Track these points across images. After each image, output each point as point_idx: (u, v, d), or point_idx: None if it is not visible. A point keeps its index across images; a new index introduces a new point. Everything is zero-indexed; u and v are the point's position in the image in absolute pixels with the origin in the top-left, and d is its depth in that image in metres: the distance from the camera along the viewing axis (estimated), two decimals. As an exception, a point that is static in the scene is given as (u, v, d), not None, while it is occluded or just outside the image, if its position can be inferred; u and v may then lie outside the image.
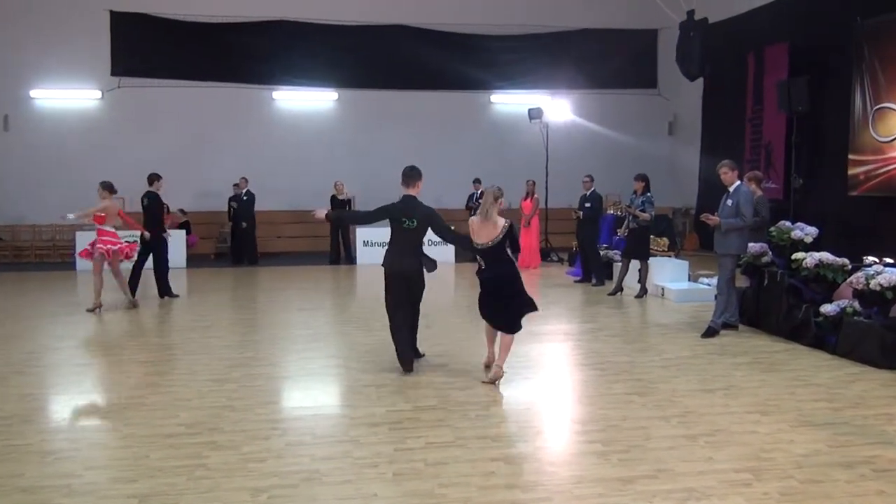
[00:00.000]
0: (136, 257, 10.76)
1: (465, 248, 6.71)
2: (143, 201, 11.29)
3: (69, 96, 18.15)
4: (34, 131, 17.89)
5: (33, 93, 18.01)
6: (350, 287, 13.43)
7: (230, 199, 16.99)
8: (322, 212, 6.91)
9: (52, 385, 6.57)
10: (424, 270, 6.68)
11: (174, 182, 17.83)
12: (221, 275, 14.86)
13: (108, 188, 10.21)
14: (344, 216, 7.14)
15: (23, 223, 17.75)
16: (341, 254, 16.41)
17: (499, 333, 6.59)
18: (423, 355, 7.12)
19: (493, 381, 6.30)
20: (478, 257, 6.47)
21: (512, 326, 6.46)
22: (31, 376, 6.77)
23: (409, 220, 6.58)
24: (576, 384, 6.48)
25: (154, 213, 11.26)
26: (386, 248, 6.83)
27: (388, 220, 6.70)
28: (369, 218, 6.76)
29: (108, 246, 10.02)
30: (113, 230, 10.21)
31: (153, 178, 11.39)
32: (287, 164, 18.66)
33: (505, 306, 6.41)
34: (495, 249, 6.36)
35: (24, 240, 17.56)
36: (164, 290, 11.33)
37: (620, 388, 6.19)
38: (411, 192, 6.66)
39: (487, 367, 6.74)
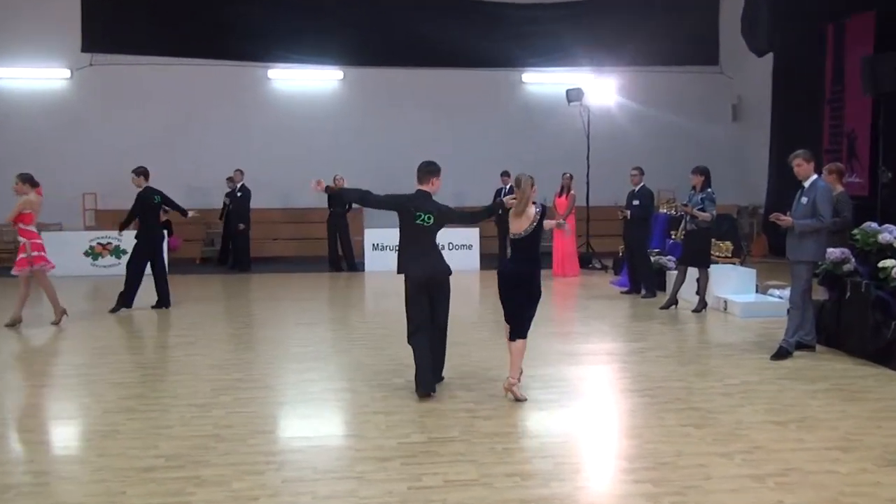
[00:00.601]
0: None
1: (486, 218, 7.29)
2: (154, 198, 11.53)
3: (33, 76, 18.46)
4: (-6, 116, 18.22)
5: (-8, 72, 18.35)
6: (356, 297, 13.48)
7: (226, 195, 17.09)
8: (322, 183, 7.17)
9: (12, 409, 6.66)
10: (447, 271, 6.85)
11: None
12: (208, 282, 14.99)
13: (30, 181, 10.08)
14: (349, 193, 7.24)
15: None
16: (342, 259, 16.45)
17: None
18: (443, 379, 7.15)
19: (515, 397, 6.61)
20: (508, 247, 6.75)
21: (518, 331, 6.67)
22: (-10, 399, 6.88)
23: (425, 216, 6.76)
24: (621, 413, 6.47)
25: (161, 210, 11.73)
26: (398, 251, 6.92)
27: (398, 214, 6.85)
28: (378, 202, 6.94)
29: (42, 253, 10.13)
30: (37, 232, 10.30)
31: (147, 172, 11.56)
32: (284, 155, 18.80)
33: (518, 306, 6.65)
34: (529, 239, 6.60)
35: (-18, 241, 17.84)
36: (167, 298, 11.63)
37: (674, 418, 6.17)
38: (426, 188, 6.87)
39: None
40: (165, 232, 16.28)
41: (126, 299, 11.28)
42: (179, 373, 7.70)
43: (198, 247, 18.20)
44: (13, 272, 10.18)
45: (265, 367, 7.97)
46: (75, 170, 17.99)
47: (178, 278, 15.25)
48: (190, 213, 12.10)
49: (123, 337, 9.82)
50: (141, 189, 11.46)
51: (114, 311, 11.16)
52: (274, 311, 11.48)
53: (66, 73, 18.48)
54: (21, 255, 10.05)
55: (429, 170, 6.91)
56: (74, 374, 7.82)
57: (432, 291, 6.79)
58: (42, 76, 18.48)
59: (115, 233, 15.25)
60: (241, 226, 16.32)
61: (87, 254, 15.87)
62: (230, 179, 16.98)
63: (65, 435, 6.03)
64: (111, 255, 15.83)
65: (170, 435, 5.78)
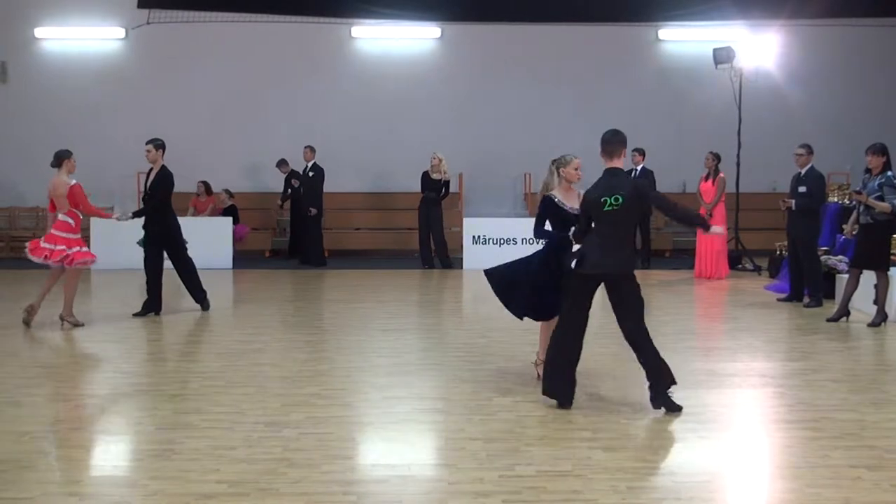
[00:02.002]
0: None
1: (691, 224, 8.25)
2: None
3: (84, 36, 19.28)
4: (39, 82, 19.08)
5: (38, 32, 19.21)
6: (451, 300, 13.57)
7: (288, 177, 17.48)
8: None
9: (57, 421, 6.99)
10: (632, 268, 7.08)
11: (216, 152, 18.63)
12: (277, 279, 15.37)
13: (67, 157, 10.39)
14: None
15: (22, 205, 18.93)
16: (435, 254, 16.60)
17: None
18: (678, 408, 6.96)
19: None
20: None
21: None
22: (29, 408, 7.22)
23: (611, 198, 6.85)
24: (776, 449, 6.35)
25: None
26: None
27: (592, 216, 7.04)
28: (582, 227, 7.22)
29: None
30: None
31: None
32: (369, 129, 19.06)
33: None
34: None
35: (24, 227, 18.79)
36: (201, 292, 11.68)
37: (842, 457, 6.02)
38: (614, 164, 7.02)
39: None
40: (230, 220, 16.89)
41: (200, 294, 11.59)
42: (244, 385, 7.89)
43: (267, 237, 18.62)
44: (80, 265, 10.49)
45: (344, 380, 8.13)
46: (128, 145, 18.55)
47: (244, 274, 15.71)
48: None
49: (179, 341, 10.16)
50: (159, 167, 11.35)
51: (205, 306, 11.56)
52: (354, 315, 11.68)
53: (120, 32, 19.16)
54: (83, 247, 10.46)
55: (613, 140, 7.04)
56: (123, 384, 8.15)
57: (611, 295, 7.01)
58: (92, 36, 19.24)
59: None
60: (313, 210, 16.62)
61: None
62: (283, 163, 17.49)
63: (113, 454, 6.29)
64: (168, 246, 16.28)
65: (233, 457, 5.95)
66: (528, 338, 9.25)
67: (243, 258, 16.90)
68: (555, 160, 7.78)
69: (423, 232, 16.65)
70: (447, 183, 16.61)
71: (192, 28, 18.62)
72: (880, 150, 10.70)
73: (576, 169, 7.73)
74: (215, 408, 7.20)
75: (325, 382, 8.01)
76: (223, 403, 7.34)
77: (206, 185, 17.73)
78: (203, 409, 7.15)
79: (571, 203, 7.58)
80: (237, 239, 16.93)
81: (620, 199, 6.81)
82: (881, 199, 10.47)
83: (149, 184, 11.46)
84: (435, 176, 16.44)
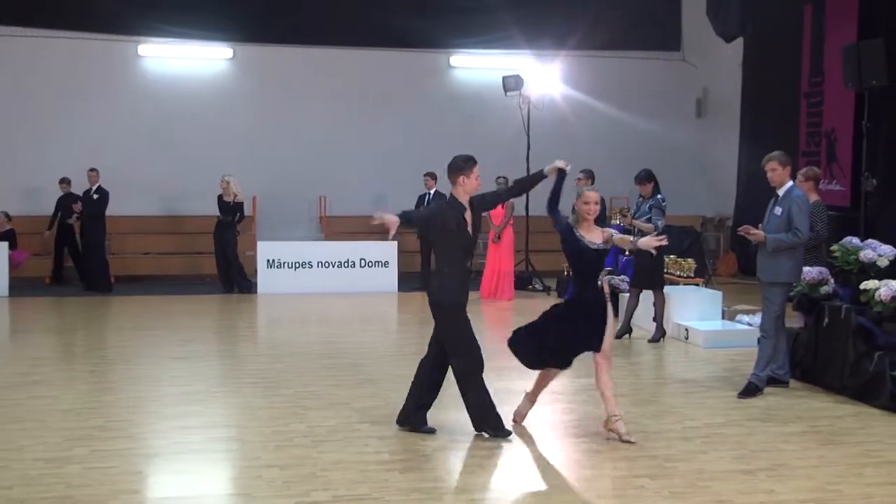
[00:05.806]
0: None
1: (534, 182, 8.02)
2: None
3: None
4: None
5: None
6: (245, 325, 13.34)
7: (63, 199, 16.92)
8: (390, 218, 6.96)
9: None
10: (442, 299, 7.04)
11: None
12: (59, 307, 14.67)
13: None
14: (413, 217, 7.49)
15: None
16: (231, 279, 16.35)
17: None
18: (433, 431, 7.06)
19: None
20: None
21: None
22: None
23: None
24: (564, 463, 6.57)
25: None
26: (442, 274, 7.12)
27: (441, 230, 7.18)
28: (419, 219, 7.64)
29: None
30: None
31: None
32: (158, 150, 18.51)
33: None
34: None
35: None
36: None
37: (626, 467, 6.29)
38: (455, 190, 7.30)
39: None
40: (6, 245, 16.01)
41: None
42: (23, 420, 7.50)
43: (47, 263, 17.75)
44: None
45: (130, 411, 7.83)
46: None
47: (23, 301, 14.89)
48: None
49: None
50: None
51: None
52: (142, 343, 11.28)
53: None
54: None
55: (453, 166, 7.39)
56: None
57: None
58: None
59: None
60: (76, 211, 16.26)
61: None
62: (64, 181, 16.89)
63: None
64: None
65: (9, 498, 5.65)
66: (323, 362, 9.24)
67: (21, 285, 16.02)
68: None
69: (219, 256, 16.33)
70: (239, 205, 16.35)
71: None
72: (645, 177, 11.19)
73: (587, 203, 7.70)
74: (-11, 445, 6.80)
75: (111, 414, 7.71)
76: (-2, 440, 6.94)
77: None
78: (-24, 447, 6.73)
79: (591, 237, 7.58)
80: (14, 265, 16.08)
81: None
82: (649, 221, 10.98)
83: None
84: (227, 199, 16.18)
